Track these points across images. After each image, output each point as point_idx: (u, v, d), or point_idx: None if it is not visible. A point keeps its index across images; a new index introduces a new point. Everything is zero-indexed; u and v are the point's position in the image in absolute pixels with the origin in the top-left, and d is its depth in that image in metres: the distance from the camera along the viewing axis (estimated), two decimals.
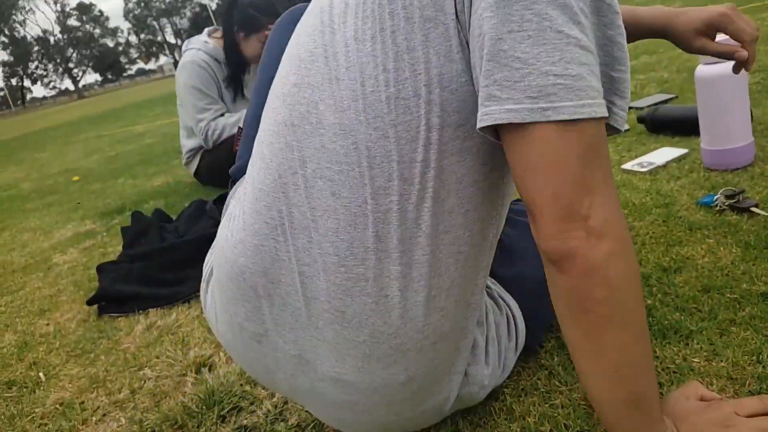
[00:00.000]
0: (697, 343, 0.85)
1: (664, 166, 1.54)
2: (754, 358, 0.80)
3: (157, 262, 1.60)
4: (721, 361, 0.81)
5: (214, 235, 1.20)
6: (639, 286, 0.59)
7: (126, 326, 1.41)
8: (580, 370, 0.61)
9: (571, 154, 0.54)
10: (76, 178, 4.07)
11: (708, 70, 1.37)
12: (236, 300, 0.71)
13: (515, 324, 0.84)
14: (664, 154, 1.60)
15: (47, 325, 1.53)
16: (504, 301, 0.85)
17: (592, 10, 0.56)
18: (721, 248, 1.08)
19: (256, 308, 0.69)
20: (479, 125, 0.56)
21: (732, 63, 1.00)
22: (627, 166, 1.59)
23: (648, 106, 2.09)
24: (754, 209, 1.16)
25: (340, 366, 0.67)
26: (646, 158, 1.60)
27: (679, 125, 1.73)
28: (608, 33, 0.57)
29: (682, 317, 0.92)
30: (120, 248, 1.92)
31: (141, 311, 1.45)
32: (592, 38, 0.55)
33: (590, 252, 0.55)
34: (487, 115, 0.55)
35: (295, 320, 0.67)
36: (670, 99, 2.17)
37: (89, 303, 1.54)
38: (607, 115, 0.55)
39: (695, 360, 0.83)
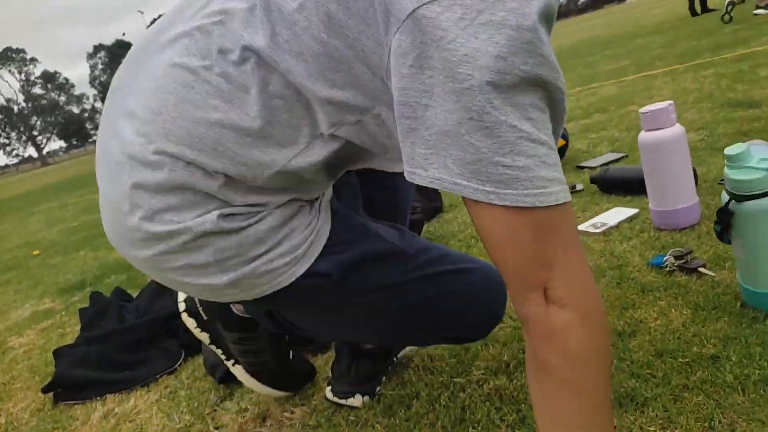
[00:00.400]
0: (653, 411, 0.87)
1: (617, 226, 1.59)
2: (707, 424, 0.81)
3: (115, 344, 1.56)
4: (676, 428, 0.82)
5: (176, 314, 1.19)
6: (603, 357, 0.62)
7: (82, 414, 1.36)
8: (538, 426, 0.64)
9: (523, 233, 0.58)
10: (36, 252, 3.98)
11: (650, 135, 1.44)
12: (121, 66, 0.81)
13: (312, 239, 0.80)
14: (616, 214, 1.65)
15: None
16: (318, 222, 0.82)
17: (548, 103, 0.60)
18: (673, 310, 1.11)
19: (122, 68, 0.80)
20: (426, 183, 0.60)
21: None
22: (582, 227, 1.63)
23: (600, 166, 2.17)
24: (701, 269, 1.20)
25: (135, 102, 0.73)
26: (599, 219, 1.66)
27: (629, 185, 1.80)
28: (554, 125, 0.61)
29: (638, 384, 0.93)
30: (79, 328, 1.87)
31: (98, 398, 1.40)
32: (545, 129, 0.59)
33: (548, 319, 0.59)
34: (438, 180, 0.59)
35: (134, 76, 0.76)
36: (621, 158, 2.26)
37: (44, 391, 1.48)
38: (560, 202, 0.58)
39: (651, 428, 0.84)
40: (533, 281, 0.59)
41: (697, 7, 8.66)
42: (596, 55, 6.98)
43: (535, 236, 0.58)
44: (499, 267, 0.62)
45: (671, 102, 1.44)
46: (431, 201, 2.23)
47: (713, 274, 1.19)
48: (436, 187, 0.60)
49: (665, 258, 1.27)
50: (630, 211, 1.64)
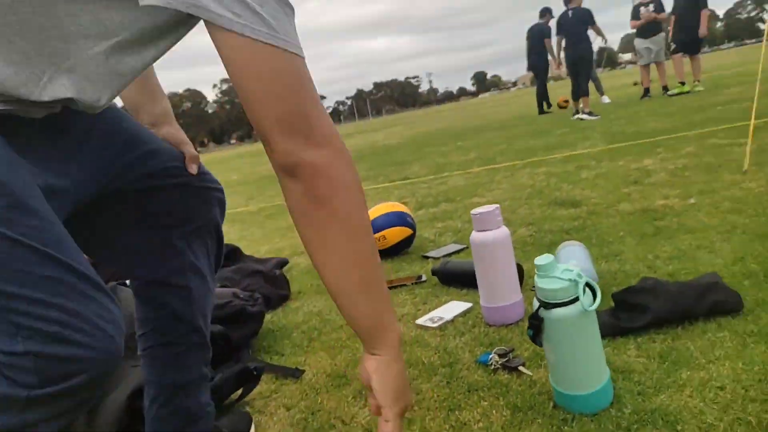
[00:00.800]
0: None
1: (452, 321, 1.65)
2: None
3: None
4: None
5: None
6: (358, 188, 0.75)
7: None
8: (318, 263, 0.76)
9: (279, 81, 0.68)
10: None
11: (479, 236, 1.54)
12: None
13: None
14: (453, 308, 1.72)
15: None
16: None
17: None
18: (494, 411, 1.15)
19: None
20: (184, 9, 0.65)
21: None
22: (420, 321, 1.68)
23: (442, 257, 2.28)
24: (521, 368, 1.27)
25: None
26: (436, 312, 1.71)
27: (465, 279, 1.89)
28: None
29: None
30: None
31: None
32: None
33: (315, 158, 0.71)
34: (195, 6, 0.65)
35: None
36: (462, 249, 2.39)
37: None
38: (301, 55, 0.70)
39: None
40: (297, 130, 0.70)
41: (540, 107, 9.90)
42: (449, 146, 7.53)
43: (291, 88, 0.69)
44: (262, 123, 0.69)
45: (497, 206, 1.56)
46: (281, 290, 2.19)
47: (531, 373, 1.25)
48: (192, 13, 0.66)
49: (491, 356, 1.33)
50: (465, 305, 1.72)
